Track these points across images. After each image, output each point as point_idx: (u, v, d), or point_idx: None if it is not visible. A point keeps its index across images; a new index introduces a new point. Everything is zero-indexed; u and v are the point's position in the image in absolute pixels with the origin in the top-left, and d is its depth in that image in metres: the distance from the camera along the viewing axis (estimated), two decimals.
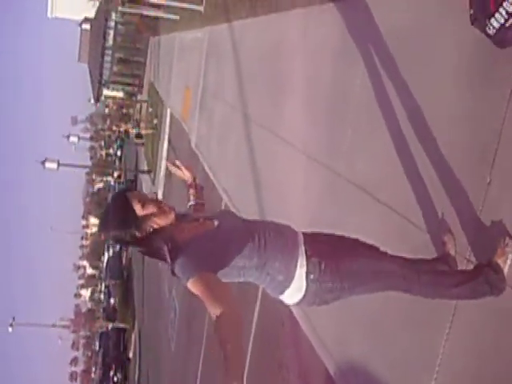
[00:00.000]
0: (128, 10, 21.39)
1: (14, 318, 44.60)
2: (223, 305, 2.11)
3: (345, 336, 4.75)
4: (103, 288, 58.67)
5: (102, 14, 30.45)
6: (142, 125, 28.48)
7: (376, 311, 4.23)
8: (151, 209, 2.53)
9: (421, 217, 3.71)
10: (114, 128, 47.20)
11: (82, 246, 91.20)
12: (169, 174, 18.42)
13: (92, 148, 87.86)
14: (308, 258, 2.63)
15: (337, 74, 5.22)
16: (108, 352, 35.30)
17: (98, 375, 39.75)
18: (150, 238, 2.52)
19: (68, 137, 38.23)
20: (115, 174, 45.39)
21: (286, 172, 6.65)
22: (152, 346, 21.10)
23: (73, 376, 77.94)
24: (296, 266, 2.61)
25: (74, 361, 78.77)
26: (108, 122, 66.19)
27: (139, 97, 34.38)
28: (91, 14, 39.46)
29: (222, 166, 10.13)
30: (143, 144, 28.10)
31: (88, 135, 75.69)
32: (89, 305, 76.94)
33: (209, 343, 10.51)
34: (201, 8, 13.48)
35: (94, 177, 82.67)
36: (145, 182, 25.99)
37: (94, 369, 52.68)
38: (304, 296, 2.64)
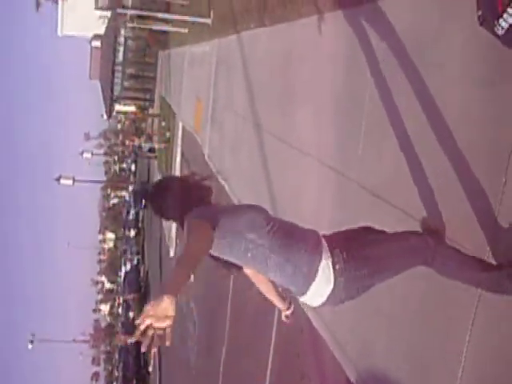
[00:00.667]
0: (137, 26, 21.55)
1: (33, 335, 44.80)
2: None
3: (365, 343, 4.72)
4: (121, 302, 58.79)
5: (112, 31, 30.66)
6: (155, 138, 28.62)
7: (396, 317, 4.20)
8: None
9: (437, 220, 3.68)
10: (127, 143, 47.48)
11: (99, 261, 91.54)
12: None
13: (106, 163, 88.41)
14: (331, 250, 2.64)
15: (347, 80, 5.22)
16: (128, 366, 35.30)
17: None
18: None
19: (82, 153, 38.55)
20: (130, 188, 45.58)
21: (299, 180, 6.64)
22: (171, 360, 21.08)
23: None
24: (321, 258, 2.61)
25: (95, 376, 78.92)
26: (121, 136, 66.62)
27: (151, 111, 34.58)
28: (101, 31, 39.82)
29: (235, 176, 10.15)
30: (156, 157, 28.23)
31: (102, 151, 76.15)
32: (108, 319, 77.12)
33: (228, 356, 10.48)
34: (209, 21, 13.55)
35: (108, 191, 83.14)
36: None
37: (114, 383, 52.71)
38: (332, 290, 2.61)
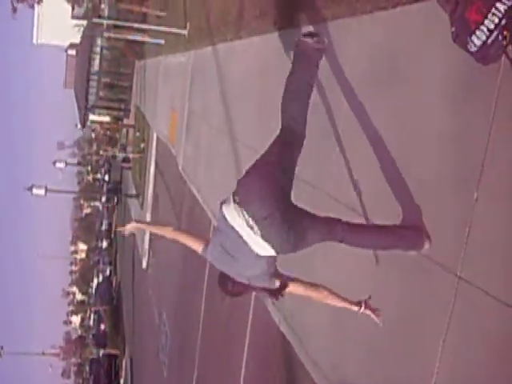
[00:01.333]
0: (113, 35, 21.44)
1: (1, 348, 43.83)
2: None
3: (337, 356, 4.70)
4: (93, 314, 58.02)
5: (87, 40, 30.51)
6: (129, 149, 28.45)
7: (370, 331, 4.19)
8: None
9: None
10: (101, 153, 47.10)
11: (71, 272, 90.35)
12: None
13: (79, 173, 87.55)
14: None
15: (322, 94, 5.23)
16: (99, 379, 34.81)
17: None
18: None
19: (55, 162, 38.07)
20: (103, 199, 45.19)
21: None
22: (143, 372, 20.83)
23: None
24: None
25: None
26: (95, 146, 66.08)
27: (126, 121, 34.39)
28: (76, 40, 39.57)
29: (210, 188, 10.10)
30: (130, 168, 28.04)
31: (75, 160, 75.40)
32: (79, 331, 76.00)
33: (201, 369, 10.38)
34: (185, 32, 13.54)
35: (81, 202, 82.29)
36: (133, 206, 25.88)
37: None
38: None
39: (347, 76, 4.75)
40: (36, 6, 45.62)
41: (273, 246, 3.14)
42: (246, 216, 3.08)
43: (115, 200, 35.44)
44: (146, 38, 19.04)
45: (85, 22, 31.26)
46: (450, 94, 3.39)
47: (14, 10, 41.97)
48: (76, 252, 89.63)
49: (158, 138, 18.84)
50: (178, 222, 13.53)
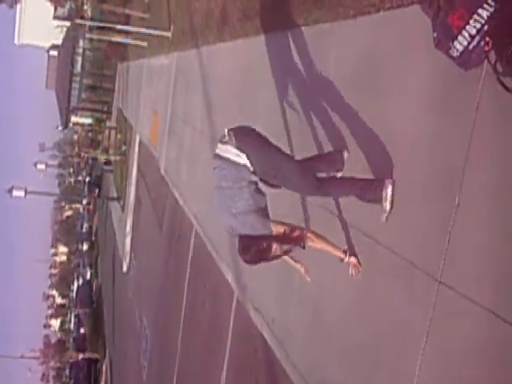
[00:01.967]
0: (96, 37, 21.31)
1: None
2: None
3: (319, 361, 4.68)
4: (73, 317, 57.52)
5: (70, 41, 30.31)
6: (111, 151, 28.27)
7: (350, 337, 4.18)
8: None
9: (392, 239, 3.69)
10: (83, 155, 46.75)
11: (51, 275, 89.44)
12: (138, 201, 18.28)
13: (60, 175, 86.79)
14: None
15: (304, 97, 5.23)
16: (79, 383, 34.44)
17: None
18: None
19: (36, 164, 37.71)
20: (84, 201, 44.85)
21: None
22: (124, 376, 20.66)
23: None
24: None
25: None
26: (76, 148, 65.57)
27: (108, 123, 34.17)
28: (59, 41, 39.26)
29: (191, 191, 10.05)
30: (112, 171, 27.85)
31: (56, 162, 74.76)
32: (59, 335, 75.21)
33: (181, 374, 10.31)
34: (169, 34, 13.49)
35: (62, 204, 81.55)
36: (114, 208, 25.71)
37: None
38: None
39: (330, 80, 4.75)
40: (15, 5, 45.20)
41: (247, 156, 3.68)
42: (232, 144, 3.81)
43: (96, 192, 35.48)
44: (129, 40, 18.97)
45: (67, 23, 31.00)
46: (431, 99, 3.40)
47: None
48: (56, 255, 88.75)
49: (140, 141, 18.74)
50: (159, 224, 13.46)
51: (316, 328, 4.73)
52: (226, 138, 3.87)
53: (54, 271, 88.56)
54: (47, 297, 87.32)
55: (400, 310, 3.55)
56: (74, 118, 36.20)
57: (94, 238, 49.34)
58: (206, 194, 8.70)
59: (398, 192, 3.66)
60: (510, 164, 2.78)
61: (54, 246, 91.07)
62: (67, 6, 35.14)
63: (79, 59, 32.85)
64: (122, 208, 22.07)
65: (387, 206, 3.62)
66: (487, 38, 2.59)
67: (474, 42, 2.61)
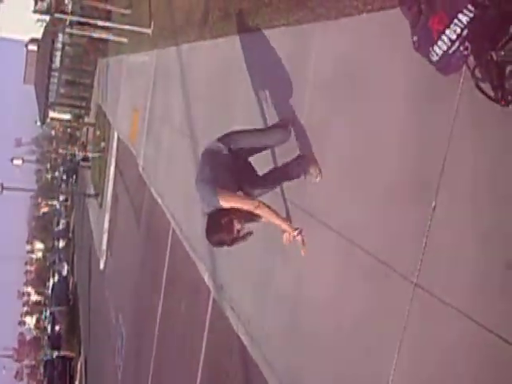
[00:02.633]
0: (76, 32, 21.08)
1: None
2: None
3: (296, 362, 4.67)
4: (48, 315, 56.91)
5: (49, 36, 29.95)
6: (89, 148, 28.02)
7: (325, 339, 4.18)
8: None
9: (367, 241, 3.69)
10: (61, 151, 46.26)
11: (26, 272, 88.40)
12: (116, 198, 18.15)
13: (38, 171, 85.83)
14: None
15: (284, 97, 5.21)
16: (53, 382, 34.12)
17: None
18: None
19: (12, 159, 37.20)
20: (61, 198, 44.42)
21: None
22: (99, 375, 20.50)
23: None
24: None
25: None
26: (54, 144, 64.89)
27: (86, 119, 33.86)
28: (38, 35, 38.81)
29: (169, 190, 9.99)
30: (90, 167, 27.61)
31: (34, 158, 73.92)
32: (34, 333, 74.38)
33: (156, 372, 10.24)
34: (149, 31, 13.40)
35: (39, 200, 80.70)
36: (92, 205, 25.48)
37: None
38: None
39: (310, 81, 4.74)
40: None
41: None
42: None
43: (73, 178, 35.48)
44: (110, 36, 18.80)
45: (47, 17, 30.62)
46: (410, 102, 3.41)
47: None
48: (32, 251, 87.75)
49: (118, 138, 18.59)
50: (137, 222, 13.36)
51: (292, 329, 4.72)
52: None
53: (29, 268, 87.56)
54: (22, 294, 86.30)
55: (375, 311, 3.56)
56: (52, 114, 35.80)
57: (70, 235, 48.87)
58: (183, 193, 8.66)
59: (375, 193, 3.67)
60: (487, 168, 2.80)
61: (30, 242, 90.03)
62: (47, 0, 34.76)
63: (58, 54, 32.48)
64: (100, 205, 21.88)
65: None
66: (466, 44, 2.60)
67: (454, 47, 2.62)
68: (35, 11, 41.04)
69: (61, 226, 60.34)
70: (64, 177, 50.03)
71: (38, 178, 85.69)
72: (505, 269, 2.61)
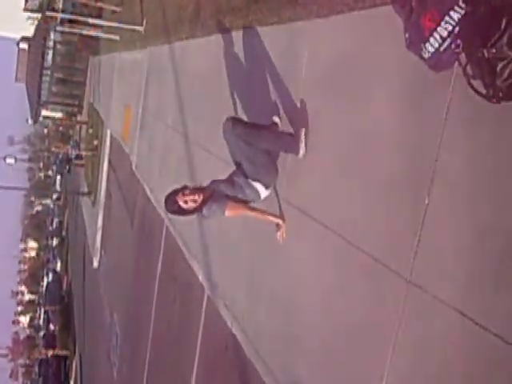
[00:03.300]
0: (67, 30, 20.98)
1: None
2: None
3: (289, 359, 4.68)
4: (42, 314, 56.76)
5: (41, 34, 29.79)
6: (82, 146, 27.93)
7: (321, 333, 4.19)
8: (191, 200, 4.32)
9: (361, 238, 3.70)
10: (53, 149, 46.10)
11: (20, 271, 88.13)
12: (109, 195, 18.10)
13: (30, 169, 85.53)
14: None
15: (276, 95, 5.21)
16: (48, 381, 34.05)
17: None
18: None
19: (5, 158, 37.04)
20: (54, 196, 44.28)
21: None
22: (94, 374, 20.48)
23: None
24: None
25: None
26: (47, 142, 64.64)
27: (79, 117, 33.73)
28: (29, 33, 38.65)
29: (162, 188, 9.97)
30: (83, 165, 27.52)
31: (26, 156, 73.61)
32: (28, 332, 74.18)
33: (151, 373, 10.24)
34: (141, 29, 13.36)
35: (32, 199, 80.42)
36: (85, 204, 25.42)
37: None
38: None
39: (303, 79, 4.74)
40: None
41: None
42: None
43: (67, 169, 35.55)
44: (101, 34, 18.73)
45: (38, 15, 30.50)
46: (403, 99, 3.41)
47: None
48: (26, 250, 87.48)
49: (111, 136, 18.54)
50: (130, 220, 13.34)
51: (286, 326, 4.73)
52: None
53: (23, 267, 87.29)
54: (16, 293, 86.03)
55: (369, 309, 3.57)
56: (44, 112, 35.64)
57: (64, 234, 48.73)
58: None
59: (368, 190, 3.67)
60: (480, 164, 2.81)
61: (23, 240, 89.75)
62: None
63: (50, 52, 32.30)
64: (93, 203, 21.83)
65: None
66: (458, 41, 2.60)
67: (445, 44, 2.62)
68: (26, 9, 40.76)
69: (54, 225, 60.14)
70: (57, 175, 49.88)
71: (30, 176, 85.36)
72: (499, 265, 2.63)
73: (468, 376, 2.78)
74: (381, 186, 3.55)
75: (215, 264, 6.83)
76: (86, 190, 24.84)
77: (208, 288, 7.00)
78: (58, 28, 22.58)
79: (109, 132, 18.94)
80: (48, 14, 21.92)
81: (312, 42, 4.68)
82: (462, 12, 2.54)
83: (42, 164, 78.97)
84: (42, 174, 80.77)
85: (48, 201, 62.60)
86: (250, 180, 4.52)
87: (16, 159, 35.99)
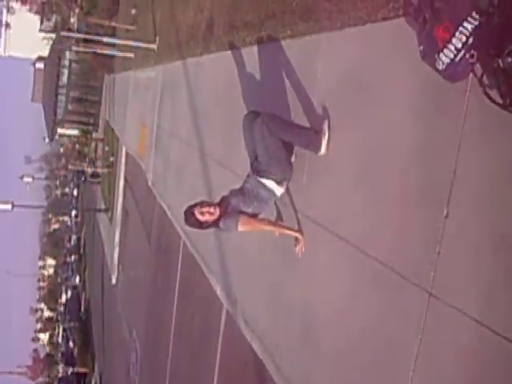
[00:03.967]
0: (82, 49, 21.26)
1: None
2: None
3: (311, 375, 4.65)
4: (62, 331, 57.00)
5: (56, 53, 30.19)
6: (98, 163, 28.15)
7: (340, 350, 4.16)
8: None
9: (380, 250, 3.68)
10: (70, 167, 46.51)
11: (39, 288, 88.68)
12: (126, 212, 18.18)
13: (47, 187, 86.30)
14: None
15: (289, 109, 5.22)
16: None
17: None
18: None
19: (22, 177, 37.45)
20: (72, 213, 44.62)
21: None
22: None
23: None
24: None
25: None
26: (63, 160, 65.27)
27: (94, 135, 34.04)
28: (45, 53, 39.15)
29: (179, 203, 10.00)
30: (99, 182, 27.73)
31: (43, 175, 74.34)
32: (47, 349, 74.47)
33: None
34: (154, 46, 13.48)
35: (50, 216, 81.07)
36: (102, 221, 25.56)
37: None
38: None
39: (317, 92, 4.75)
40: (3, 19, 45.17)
41: None
42: None
43: (83, 179, 36.30)
44: (116, 52, 18.94)
45: (53, 35, 30.92)
46: (418, 112, 3.40)
47: None
48: (44, 267, 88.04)
49: (127, 153, 18.67)
50: (147, 236, 13.39)
51: (306, 341, 4.70)
52: None
53: (42, 284, 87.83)
54: (35, 310, 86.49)
55: (391, 322, 3.54)
56: (60, 130, 36.03)
57: (82, 251, 49.03)
58: None
59: (386, 204, 3.66)
60: (498, 175, 2.79)
61: (42, 258, 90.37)
62: (53, 18, 35.07)
63: (65, 71, 32.72)
64: (110, 220, 21.94)
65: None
66: (473, 51, 2.59)
67: (460, 55, 2.61)
68: (41, 30, 41.36)
69: (72, 242, 60.52)
70: (74, 193, 50.27)
71: (47, 194, 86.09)
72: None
73: None
74: (399, 198, 3.54)
75: (233, 279, 6.83)
76: (103, 206, 25.00)
77: (227, 303, 6.99)
78: (73, 47, 22.87)
79: (124, 149, 19.08)
80: (63, 33, 22.23)
81: (326, 55, 4.69)
82: (476, 23, 2.53)
83: (58, 182, 79.64)
84: (58, 192, 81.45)
85: (65, 218, 63.05)
86: (261, 179, 4.55)
87: (33, 178, 36.39)
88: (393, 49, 3.71)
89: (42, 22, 45.14)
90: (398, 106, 3.62)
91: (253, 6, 6.53)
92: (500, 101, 2.54)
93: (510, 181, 2.72)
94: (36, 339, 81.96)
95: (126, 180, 19.02)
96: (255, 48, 6.40)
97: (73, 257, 56.62)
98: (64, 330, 50.27)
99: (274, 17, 5.87)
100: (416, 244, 3.33)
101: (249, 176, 4.71)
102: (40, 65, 43.58)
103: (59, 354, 53.76)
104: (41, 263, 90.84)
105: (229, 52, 7.40)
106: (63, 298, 56.64)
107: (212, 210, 4.46)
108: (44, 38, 41.48)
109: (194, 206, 4.58)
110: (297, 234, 4.69)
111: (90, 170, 29.97)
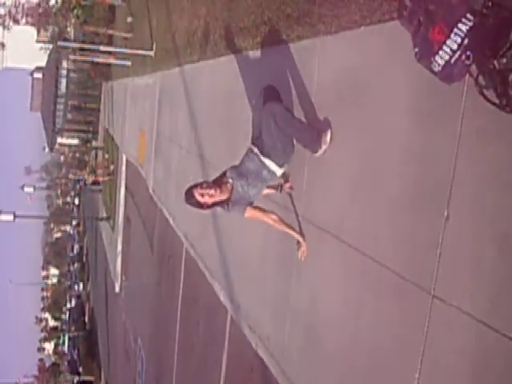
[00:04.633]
0: (79, 58, 21.28)
1: None
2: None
3: (316, 379, 4.64)
4: (67, 340, 56.93)
5: (53, 63, 30.24)
6: (99, 171, 28.17)
7: (345, 354, 4.15)
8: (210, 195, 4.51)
9: (381, 253, 3.68)
10: (71, 176, 46.56)
11: (43, 298, 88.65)
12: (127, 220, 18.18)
13: (49, 197, 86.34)
14: None
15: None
16: None
17: None
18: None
19: (23, 187, 37.47)
20: (73, 222, 44.62)
21: None
22: None
23: None
24: None
25: None
26: (64, 169, 65.33)
27: (94, 143, 34.08)
28: (42, 63, 39.19)
29: (180, 210, 10.01)
30: (100, 191, 27.74)
31: (44, 184, 74.37)
32: (53, 358, 74.38)
33: None
34: (151, 53, 13.51)
35: (52, 226, 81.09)
36: (104, 228, 25.56)
37: None
38: None
39: (313, 96, 4.75)
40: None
41: None
42: None
43: (82, 183, 36.71)
44: (113, 60, 18.97)
45: (50, 45, 30.98)
46: (415, 114, 3.41)
47: None
48: (47, 277, 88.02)
49: (127, 160, 18.68)
50: (150, 243, 13.39)
51: (311, 345, 4.70)
52: None
53: (45, 294, 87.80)
54: (40, 320, 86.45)
55: (394, 325, 3.53)
56: (59, 139, 36.07)
57: (85, 259, 49.03)
58: (195, 212, 8.66)
59: (386, 207, 3.66)
60: (496, 175, 2.79)
61: (44, 268, 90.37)
62: (50, 29, 35.11)
63: (63, 80, 32.78)
64: (112, 228, 21.95)
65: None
66: (468, 52, 2.60)
67: (456, 57, 2.61)
68: (38, 40, 41.38)
69: (75, 251, 60.56)
70: (75, 202, 50.28)
71: (48, 203, 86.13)
72: None
73: None
74: (399, 201, 3.54)
75: (237, 285, 6.82)
76: (104, 215, 25.01)
77: (231, 309, 6.99)
78: (71, 56, 22.91)
79: (124, 156, 19.09)
80: (60, 43, 22.27)
81: (322, 58, 4.70)
82: (470, 24, 2.53)
83: (59, 191, 79.69)
84: (60, 201, 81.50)
85: (67, 227, 63.09)
86: (265, 159, 4.52)
87: (35, 187, 36.42)
88: (388, 51, 3.72)
89: (38, 33, 45.20)
90: (393, 108, 3.63)
91: (248, 11, 6.54)
92: (496, 101, 2.54)
93: (509, 180, 2.72)
94: (41, 349, 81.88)
95: (126, 187, 19.03)
96: (251, 53, 6.41)
97: (76, 265, 56.64)
98: (69, 338, 50.22)
99: (268, 22, 5.89)
100: (418, 246, 3.33)
101: (252, 151, 4.62)
102: (38, 74, 43.63)
103: (65, 363, 53.69)
104: (44, 273, 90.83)
105: (225, 58, 7.42)
106: (67, 307, 56.58)
107: (212, 191, 4.48)
108: (41, 48, 41.52)
109: (195, 186, 4.61)
110: (299, 238, 4.70)
111: (90, 179, 29.98)
